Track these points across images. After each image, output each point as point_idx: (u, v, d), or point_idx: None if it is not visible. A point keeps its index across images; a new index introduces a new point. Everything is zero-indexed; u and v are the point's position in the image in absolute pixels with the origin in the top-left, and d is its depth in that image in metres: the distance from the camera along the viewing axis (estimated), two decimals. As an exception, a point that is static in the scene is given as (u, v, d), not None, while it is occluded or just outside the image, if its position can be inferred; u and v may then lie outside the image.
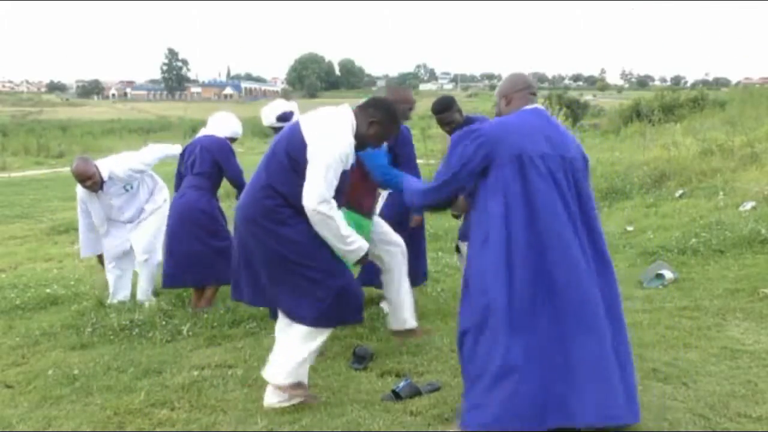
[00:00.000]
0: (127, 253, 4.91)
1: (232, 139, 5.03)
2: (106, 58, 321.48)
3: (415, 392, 3.11)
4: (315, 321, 2.99)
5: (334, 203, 2.89)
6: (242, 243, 3.05)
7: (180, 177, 4.82)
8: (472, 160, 2.57)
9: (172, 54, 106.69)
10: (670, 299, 4.50)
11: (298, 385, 3.03)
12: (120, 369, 3.62)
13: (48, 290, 5.33)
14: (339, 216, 2.92)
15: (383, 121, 3.04)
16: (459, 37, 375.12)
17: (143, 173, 4.88)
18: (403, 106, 3.86)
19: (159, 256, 4.92)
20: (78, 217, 4.94)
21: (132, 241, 4.88)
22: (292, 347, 3.03)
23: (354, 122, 2.99)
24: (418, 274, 4.48)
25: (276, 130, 4.58)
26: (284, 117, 4.49)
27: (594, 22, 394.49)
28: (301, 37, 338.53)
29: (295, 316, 3.00)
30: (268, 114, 4.55)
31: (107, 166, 4.67)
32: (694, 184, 8.19)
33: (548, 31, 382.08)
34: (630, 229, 6.92)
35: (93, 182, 4.59)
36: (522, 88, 2.75)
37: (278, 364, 3.04)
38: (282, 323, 3.13)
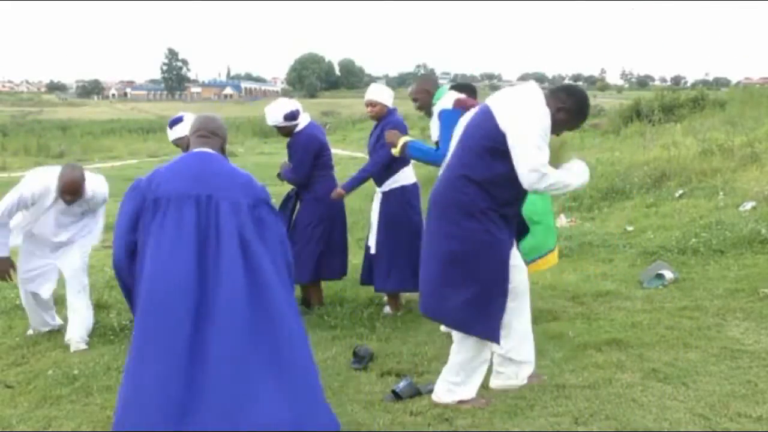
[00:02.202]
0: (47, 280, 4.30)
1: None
2: (106, 58, 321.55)
3: (415, 392, 3.12)
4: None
5: (545, 169, 2.76)
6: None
7: None
8: (127, 214, 2.47)
9: (172, 54, 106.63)
10: (670, 299, 4.50)
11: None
12: (120, 369, 3.61)
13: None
14: (556, 175, 2.81)
15: (572, 109, 2.90)
16: (459, 37, 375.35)
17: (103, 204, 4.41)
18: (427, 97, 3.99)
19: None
20: None
21: (63, 267, 4.27)
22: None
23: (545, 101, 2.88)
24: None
25: (280, 129, 4.58)
26: (292, 115, 4.49)
27: (594, 22, 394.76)
28: (301, 37, 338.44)
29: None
30: (275, 113, 4.51)
31: (92, 183, 4.20)
32: (694, 184, 8.18)
33: (548, 31, 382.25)
34: (630, 229, 6.92)
35: (75, 198, 4.06)
36: (194, 131, 2.63)
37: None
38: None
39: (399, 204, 4.45)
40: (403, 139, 3.99)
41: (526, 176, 2.77)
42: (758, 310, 4.11)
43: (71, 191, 4.02)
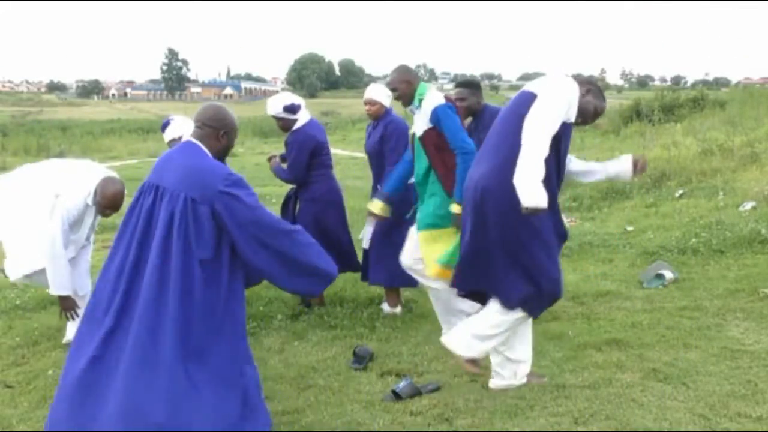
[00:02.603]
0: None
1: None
2: (106, 58, 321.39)
3: (415, 392, 3.12)
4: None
5: (541, 137, 2.80)
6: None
7: None
8: None
9: (172, 54, 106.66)
10: (670, 299, 4.50)
11: (473, 362, 3.09)
12: (120, 369, 3.62)
13: (48, 290, 5.31)
14: (537, 153, 2.78)
15: (597, 92, 3.07)
16: (459, 37, 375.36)
17: None
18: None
19: None
20: (41, 234, 3.73)
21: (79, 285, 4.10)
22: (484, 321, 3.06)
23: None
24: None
25: (279, 122, 4.59)
26: (291, 108, 4.50)
27: (594, 22, 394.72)
28: (301, 37, 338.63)
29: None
30: (275, 103, 4.53)
31: None
32: (694, 184, 8.18)
33: (548, 31, 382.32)
34: (630, 229, 6.91)
35: (117, 211, 3.79)
36: (193, 120, 2.75)
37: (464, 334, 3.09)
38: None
39: (398, 201, 4.45)
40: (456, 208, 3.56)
41: (526, 128, 2.80)
42: (758, 310, 4.11)
43: (115, 206, 3.86)
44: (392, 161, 4.39)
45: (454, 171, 3.56)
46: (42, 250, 3.75)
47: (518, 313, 3.01)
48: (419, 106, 3.72)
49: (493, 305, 3.04)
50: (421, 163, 3.74)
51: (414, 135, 3.81)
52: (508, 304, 2.98)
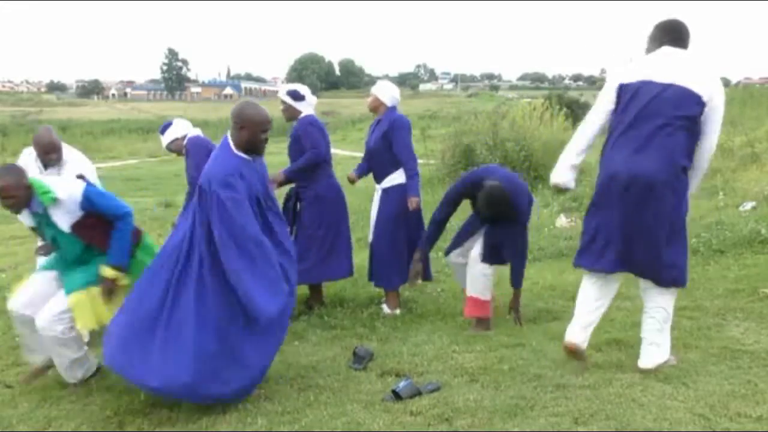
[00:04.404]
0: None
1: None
2: (106, 58, 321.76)
3: (415, 392, 3.11)
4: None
5: None
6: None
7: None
8: None
9: (172, 54, 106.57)
10: (670, 299, 4.49)
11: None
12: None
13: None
14: None
15: None
16: (459, 37, 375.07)
17: None
18: None
19: None
20: None
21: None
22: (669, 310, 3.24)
23: None
24: (426, 270, 4.53)
25: (283, 107, 4.64)
26: (294, 94, 4.58)
27: (594, 22, 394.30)
28: (301, 37, 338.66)
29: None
30: (283, 87, 4.75)
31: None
32: (694, 183, 8.17)
33: (548, 31, 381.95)
34: (630, 229, 6.91)
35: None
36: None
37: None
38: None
39: (398, 201, 4.47)
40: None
41: (713, 140, 3.20)
42: (758, 310, 4.11)
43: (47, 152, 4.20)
44: (392, 159, 4.42)
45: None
46: None
47: (675, 293, 3.25)
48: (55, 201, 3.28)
49: (659, 299, 3.21)
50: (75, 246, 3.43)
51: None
52: (679, 283, 3.17)
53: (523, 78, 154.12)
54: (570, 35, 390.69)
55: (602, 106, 3.25)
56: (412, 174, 4.45)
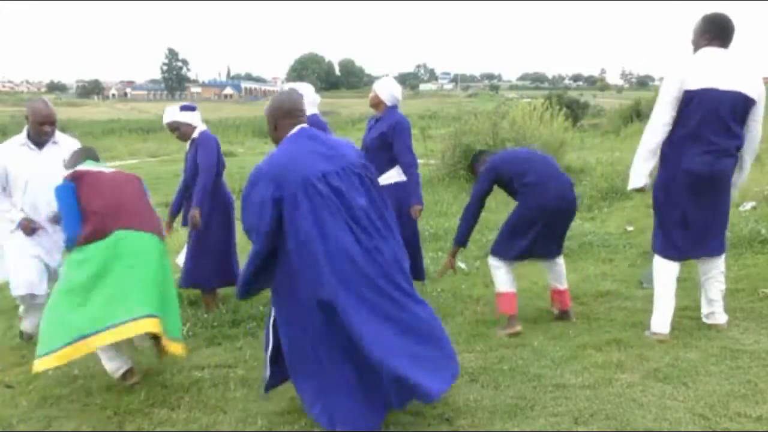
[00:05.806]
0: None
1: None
2: (106, 58, 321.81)
3: (415, 392, 3.11)
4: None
5: None
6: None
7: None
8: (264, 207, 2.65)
9: (172, 54, 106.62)
10: (670, 299, 4.49)
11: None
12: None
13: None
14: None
15: None
16: (459, 37, 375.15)
17: None
18: None
19: None
20: None
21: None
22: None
23: None
24: (419, 270, 4.53)
25: None
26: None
27: (594, 22, 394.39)
28: (301, 37, 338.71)
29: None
30: (287, 84, 4.82)
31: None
32: (694, 184, 8.18)
33: (548, 31, 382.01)
34: (630, 229, 6.92)
35: None
36: (285, 114, 2.85)
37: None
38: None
39: (393, 199, 4.46)
40: None
41: (759, 128, 3.67)
42: (758, 310, 4.11)
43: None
44: (388, 158, 4.43)
45: None
46: None
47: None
48: None
49: (722, 264, 3.74)
50: None
51: None
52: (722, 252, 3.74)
53: (523, 78, 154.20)
54: (570, 35, 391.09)
55: (668, 115, 3.54)
56: (414, 179, 4.44)
